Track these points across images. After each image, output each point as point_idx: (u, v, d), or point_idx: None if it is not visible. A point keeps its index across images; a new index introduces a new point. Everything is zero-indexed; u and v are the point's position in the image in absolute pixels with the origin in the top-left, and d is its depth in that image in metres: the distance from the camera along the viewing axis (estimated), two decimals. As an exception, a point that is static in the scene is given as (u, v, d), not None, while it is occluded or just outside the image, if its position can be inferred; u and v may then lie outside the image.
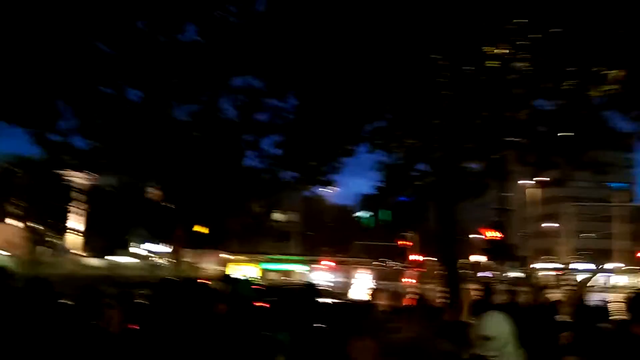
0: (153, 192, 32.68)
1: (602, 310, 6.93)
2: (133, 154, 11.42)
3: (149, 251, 46.30)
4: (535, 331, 4.90)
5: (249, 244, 38.11)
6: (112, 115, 10.56)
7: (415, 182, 13.13)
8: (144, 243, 46.73)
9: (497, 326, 2.38)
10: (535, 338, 4.36)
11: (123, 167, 14.83)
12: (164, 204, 31.76)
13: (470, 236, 43.81)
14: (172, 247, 36.51)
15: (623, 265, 50.50)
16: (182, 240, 33.39)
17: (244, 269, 26.62)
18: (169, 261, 37.29)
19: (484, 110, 10.08)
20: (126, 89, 10.38)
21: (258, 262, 27.70)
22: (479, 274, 51.53)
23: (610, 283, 50.53)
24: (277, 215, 52.50)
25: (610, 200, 40.85)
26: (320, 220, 56.39)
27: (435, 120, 10.68)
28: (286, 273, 28.00)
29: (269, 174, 10.01)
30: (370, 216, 45.82)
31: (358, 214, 54.93)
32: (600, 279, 63.39)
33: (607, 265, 56.26)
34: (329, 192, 50.75)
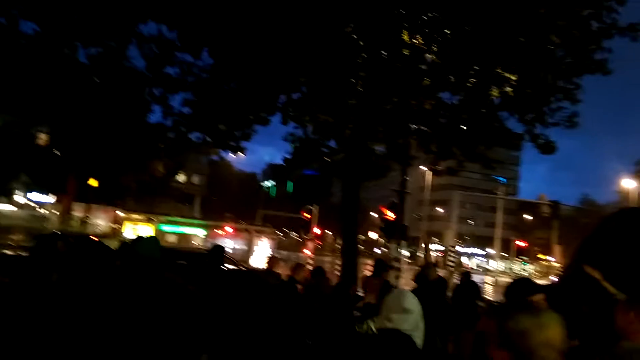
0: (42, 137, 29.93)
1: (476, 288, 7.61)
2: (21, 92, 10.32)
3: (34, 201, 42.59)
4: (435, 306, 5.28)
5: (147, 203, 36.52)
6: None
7: (324, 157, 13.40)
8: (29, 192, 42.86)
9: (413, 301, 2.47)
10: (435, 313, 4.71)
11: (9, 105, 13.37)
12: (54, 151, 29.25)
13: (371, 214, 45.83)
14: (60, 198, 33.88)
15: (501, 252, 55.84)
16: (72, 192, 31.08)
17: (139, 229, 25.51)
18: (55, 213, 34.65)
19: (394, 96, 10.49)
20: (20, 20, 9.29)
21: (155, 222, 26.54)
22: (375, 250, 54.53)
23: (489, 267, 55.92)
24: (181, 177, 50.80)
25: (495, 192, 44.72)
26: (225, 185, 55.52)
27: (350, 100, 10.93)
28: (184, 237, 27.24)
29: (175, 133, 9.56)
30: (273, 186, 45.94)
31: (264, 183, 54.91)
32: (478, 262, 69.95)
33: (488, 251, 62.21)
34: (236, 158, 50.10)
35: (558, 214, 32.64)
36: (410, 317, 2.38)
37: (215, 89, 9.07)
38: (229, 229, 27.07)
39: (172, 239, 26.12)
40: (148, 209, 30.75)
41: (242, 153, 10.52)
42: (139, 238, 3.64)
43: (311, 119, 11.03)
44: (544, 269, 49.71)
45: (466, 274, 8.37)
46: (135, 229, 26.09)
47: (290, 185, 39.29)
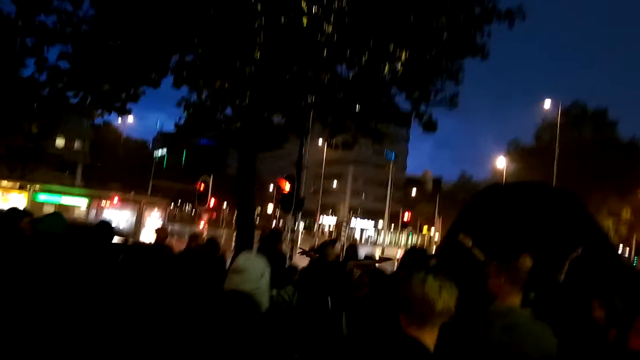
0: None
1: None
2: None
3: None
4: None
5: (20, 169, 32.93)
6: None
7: (220, 125, 13.02)
8: None
9: (246, 261, 2.48)
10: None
11: None
12: None
13: (269, 187, 45.91)
14: None
15: (390, 225, 59.27)
16: None
17: (10, 198, 22.98)
18: None
19: (292, 66, 10.45)
20: None
21: (29, 191, 24.03)
22: (274, 223, 54.96)
23: (380, 239, 59.15)
24: (59, 141, 46.35)
25: (387, 168, 47.09)
26: (112, 153, 51.79)
27: (247, 66, 10.67)
28: (64, 208, 25.05)
29: (50, 89, 8.62)
30: (165, 155, 44.01)
31: (156, 152, 52.27)
32: (369, 234, 73.72)
33: (379, 223, 65.74)
34: (124, 124, 46.92)
35: (440, 189, 35.35)
36: (243, 277, 2.38)
37: (98, 43, 8.29)
38: (115, 200, 25.41)
39: (49, 210, 23.88)
40: (19, 176, 27.71)
41: (129, 114, 9.81)
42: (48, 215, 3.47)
43: (206, 84, 10.61)
44: (428, 240, 53.85)
45: (351, 247, 8.58)
46: (7, 198, 23.46)
47: (184, 155, 37.80)
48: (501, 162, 41.87)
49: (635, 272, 5.81)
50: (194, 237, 8.15)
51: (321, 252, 5.93)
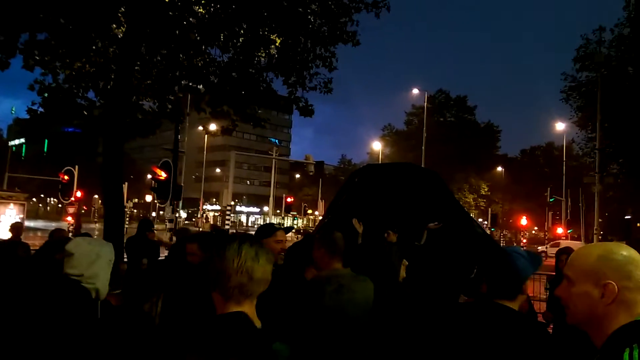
0: None
1: None
2: None
3: None
4: None
5: None
6: None
7: (82, 111, 11.94)
8: None
9: (75, 245, 2.34)
10: None
11: None
12: None
13: (148, 177, 43.41)
14: None
15: (275, 209, 59.75)
16: None
17: None
18: None
19: (162, 48, 9.90)
20: None
21: None
22: (153, 214, 52.18)
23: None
24: None
25: (270, 153, 47.20)
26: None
27: (110, 46, 9.86)
28: None
29: None
30: (22, 144, 39.44)
31: (12, 142, 46.60)
32: (254, 219, 73.62)
33: (265, 208, 65.84)
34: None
35: (322, 172, 36.39)
36: (71, 261, 2.29)
37: None
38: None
39: None
40: None
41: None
42: None
43: (63, 65, 9.62)
44: (311, 222, 55.34)
45: (215, 229, 8.50)
46: None
47: (46, 144, 34.13)
48: (377, 146, 44.34)
49: (490, 240, 6.54)
50: (56, 232, 7.46)
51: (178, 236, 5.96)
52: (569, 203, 31.17)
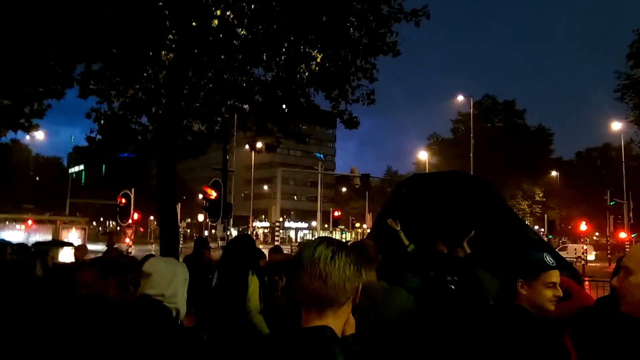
0: None
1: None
2: None
3: None
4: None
5: None
6: None
7: (137, 136, 12.50)
8: None
9: (152, 264, 2.40)
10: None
11: None
12: None
13: (198, 197, 44.70)
14: None
15: (323, 224, 59.94)
16: None
17: None
18: None
19: (207, 70, 10.25)
20: None
21: None
22: (205, 233, 53.59)
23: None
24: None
25: (316, 168, 47.53)
26: (21, 172, 48.13)
27: (160, 72, 10.32)
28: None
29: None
30: (82, 171, 41.56)
31: (72, 169, 49.24)
32: (303, 234, 73.98)
33: (312, 223, 66.16)
34: (34, 141, 43.78)
35: (368, 185, 36.20)
36: (150, 281, 2.30)
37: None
38: (29, 222, 23.62)
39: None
40: None
41: (35, 130, 9.15)
42: None
43: (117, 93, 10.15)
44: (360, 235, 55.00)
45: (275, 248, 8.56)
46: None
47: (103, 169, 35.88)
48: (423, 155, 43.71)
49: (547, 246, 6.27)
50: (113, 251, 7.82)
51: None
52: (631, 206, 29.45)
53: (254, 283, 4.21)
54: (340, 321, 1.45)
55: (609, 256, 28.42)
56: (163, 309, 2.27)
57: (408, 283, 4.56)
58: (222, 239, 17.45)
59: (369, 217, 35.91)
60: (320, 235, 57.34)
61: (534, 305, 2.12)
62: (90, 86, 9.69)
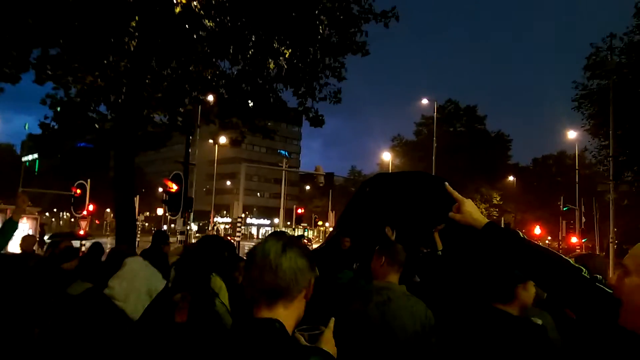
0: None
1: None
2: None
3: None
4: None
5: None
6: None
7: (93, 125, 12.06)
8: None
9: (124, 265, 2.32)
10: None
11: None
12: None
13: (158, 190, 43.67)
14: None
15: (286, 221, 59.71)
16: None
17: None
18: None
19: (171, 60, 9.98)
20: None
21: None
22: (164, 227, 52.40)
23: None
24: None
25: (280, 165, 47.30)
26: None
27: (121, 60, 9.96)
28: None
29: None
30: (34, 159, 39.87)
31: (26, 157, 47.15)
32: (264, 231, 73.63)
33: (275, 220, 65.85)
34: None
35: (332, 184, 36.29)
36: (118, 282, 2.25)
37: None
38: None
39: None
40: None
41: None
42: None
43: (75, 79, 9.73)
44: (322, 234, 55.15)
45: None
46: None
47: (59, 160, 34.49)
48: (387, 157, 44.24)
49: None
50: (63, 242, 7.48)
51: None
52: (583, 212, 30.75)
53: (217, 285, 4.09)
54: (291, 316, 1.43)
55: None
56: (110, 305, 2.28)
57: (341, 275, 4.59)
58: (182, 233, 17.08)
59: (331, 215, 36.04)
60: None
61: (525, 305, 2.22)
62: (47, 71, 9.26)
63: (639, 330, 1.23)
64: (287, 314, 1.42)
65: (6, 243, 3.18)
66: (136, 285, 2.31)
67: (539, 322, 2.41)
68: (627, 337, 1.23)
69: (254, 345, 1.31)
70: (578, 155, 33.86)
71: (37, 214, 24.74)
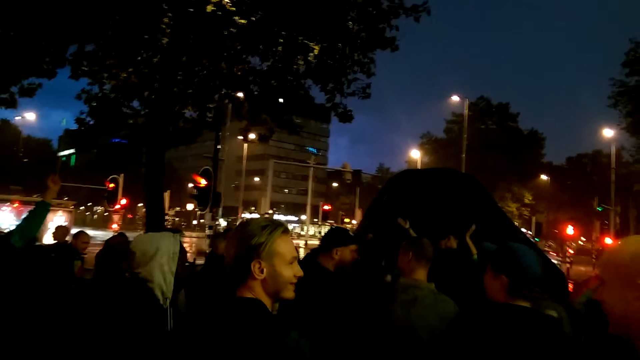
0: None
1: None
2: None
3: None
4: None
5: None
6: None
7: (127, 120, 12.35)
8: None
9: (137, 242, 2.32)
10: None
11: None
12: None
13: (188, 186, 44.47)
14: None
15: (312, 218, 59.95)
16: None
17: None
18: None
19: (203, 57, 10.14)
20: None
21: None
22: (194, 222, 53.32)
23: (302, 232, 59.50)
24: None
25: (308, 162, 47.48)
26: (10, 154, 47.45)
27: (154, 57, 10.17)
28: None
29: None
30: (70, 154, 41.07)
31: (62, 152, 48.65)
32: (292, 227, 74.12)
33: (302, 217, 66.17)
34: (24, 123, 43.21)
35: (360, 181, 36.19)
36: (136, 259, 2.21)
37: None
38: (15, 204, 23.31)
39: None
40: None
41: (13, 106, 8.95)
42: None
43: (109, 75, 9.99)
44: (350, 230, 55.01)
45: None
46: None
47: (92, 154, 35.46)
48: (415, 154, 43.81)
49: (533, 246, 6.25)
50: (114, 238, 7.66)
51: (212, 245, 5.71)
52: (618, 212, 29.76)
53: None
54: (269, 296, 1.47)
55: (593, 260, 28.72)
56: (144, 289, 2.17)
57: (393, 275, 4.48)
58: (210, 227, 17.32)
59: (358, 212, 35.92)
60: (309, 229, 57.33)
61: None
62: (83, 67, 9.54)
63: (632, 339, 1.22)
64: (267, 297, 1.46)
65: (39, 224, 3.14)
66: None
67: (555, 314, 2.33)
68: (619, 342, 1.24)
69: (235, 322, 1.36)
70: (615, 154, 32.78)
71: (72, 207, 25.56)
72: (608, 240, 27.06)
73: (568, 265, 24.55)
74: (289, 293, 1.49)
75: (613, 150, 31.93)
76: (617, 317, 1.22)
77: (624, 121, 25.08)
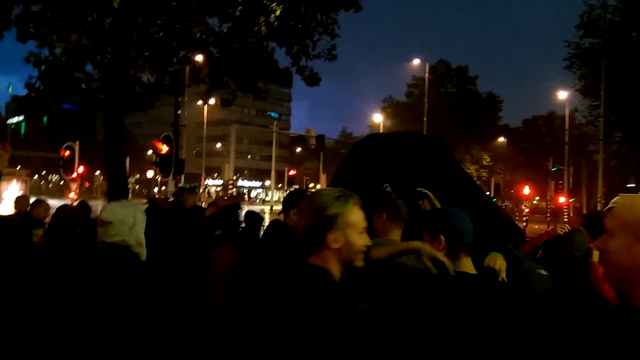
0: None
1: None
2: None
3: None
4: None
5: None
6: None
7: (80, 85, 11.79)
8: None
9: (111, 213, 2.30)
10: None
11: None
12: None
13: (148, 153, 43.28)
14: None
15: (277, 183, 59.86)
16: None
17: None
18: None
19: (158, 18, 9.69)
20: None
21: None
22: (156, 190, 52.28)
23: (267, 197, 59.47)
24: None
25: (271, 127, 47.03)
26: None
27: (106, 17, 9.64)
28: None
29: None
30: (19, 121, 39.15)
31: (11, 120, 46.28)
32: (256, 193, 73.94)
33: (266, 182, 65.97)
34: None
35: (323, 146, 36.22)
36: (111, 229, 2.26)
37: None
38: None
39: None
40: None
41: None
42: None
43: (59, 38, 9.43)
44: (313, 195, 55.26)
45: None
46: None
47: (45, 120, 33.82)
48: (378, 118, 44.07)
49: (496, 207, 6.45)
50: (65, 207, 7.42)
51: (178, 198, 5.74)
52: (572, 172, 31.07)
53: None
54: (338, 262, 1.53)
55: (547, 219, 30.11)
56: (132, 255, 2.25)
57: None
58: (174, 195, 17.04)
59: (323, 177, 36.11)
60: (275, 194, 57.37)
61: None
62: (30, 29, 8.95)
63: (624, 290, 1.26)
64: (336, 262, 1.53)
65: None
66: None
67: (544, 272, 2.44)
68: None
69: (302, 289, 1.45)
70: (568, 115, 33.95)
71: (26, 175, 24.53)
72: (562, 199, 28.36)
73: (524, 223, 25.68)
74: (360, 262, 1.55)
75: (567, 112, 33.03)
76: (619, 268, 1.26)
77: (578, 83, 25.87)
